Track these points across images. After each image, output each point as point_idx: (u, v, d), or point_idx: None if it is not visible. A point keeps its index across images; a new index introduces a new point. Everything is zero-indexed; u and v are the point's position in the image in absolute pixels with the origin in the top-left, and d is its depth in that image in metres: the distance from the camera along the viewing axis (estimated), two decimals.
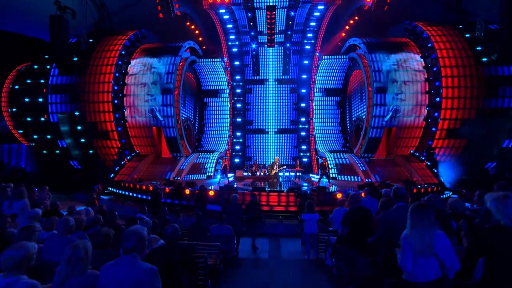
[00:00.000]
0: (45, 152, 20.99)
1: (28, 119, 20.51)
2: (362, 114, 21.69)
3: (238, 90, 27.57)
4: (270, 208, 12.33)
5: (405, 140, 19.30)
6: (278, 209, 12.23)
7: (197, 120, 26.14)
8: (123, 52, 19.22)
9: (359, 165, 19.05)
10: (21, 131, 21.73)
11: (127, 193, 15.24)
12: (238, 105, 27.78)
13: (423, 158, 17.74)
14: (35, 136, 20.95)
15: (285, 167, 15.78)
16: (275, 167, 14.75)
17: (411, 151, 19.08)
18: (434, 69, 17.47)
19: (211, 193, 12.77)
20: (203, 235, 6.64)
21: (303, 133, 27.37)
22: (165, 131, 19.77)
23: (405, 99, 18.29)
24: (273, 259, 7.94)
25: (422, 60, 18.34)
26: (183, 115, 22.91)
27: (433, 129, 17.46)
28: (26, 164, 22.83)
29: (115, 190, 16.29)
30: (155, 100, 19.19)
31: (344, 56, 23.37)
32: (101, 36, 19.80)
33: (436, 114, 17.31)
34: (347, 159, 20.99)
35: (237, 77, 27.38)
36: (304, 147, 26.91)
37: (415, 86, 18.24)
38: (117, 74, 18.63)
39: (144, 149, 20.60)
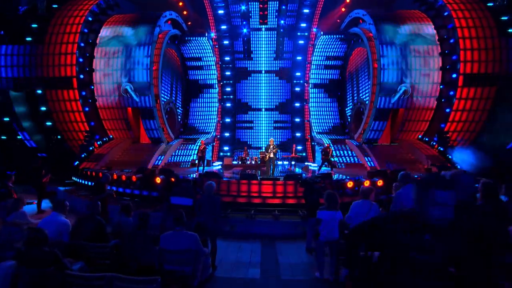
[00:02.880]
0: (4, 138, 17.43)
1: None
2: (364, 96, 18.84)
3: (228, 73, 24.40)
4: (262, 200, 9.36)
5: (413, 123, 16.53)
6: (272, 202, 9.26)
7: (181, 103, 22.86)
8: (89, 19, 15.71)
9: (361, 152, 16.30)
10: None
11: (89, 183, 12.04)
12: (228, 89, 24.65)
13: (433, 143, 15.04)
14: None
15: (278, 150, 12.91)
16: (269, 150, 11.79)
17: (419, 136, 16.37)
18: (451, 40, 14.59)
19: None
20: (145, 250, 3.64)
21: (297, 119, 24.54)
22: (142, 113, 16.50)
23: (415, 76, 15.45)
24: (267, 278, 5.03)
25: (435, 32, 15.44)
26: (165, 97, 19.64)
27: (447, 110, 14.69)
28: None
29: (77, 180, 13.08)
30: (130, 77, 15.86)
31: (345, 32, 20.37)
32: (64, 1, 16.22)
33: (451, 92, 14.53)
34: (347, 146, 18.34)
35: (226, 58, 24.14)
36: (298, 134, 24.06)
37: (427, 61, 15.39)
38: (82, 44, 15.14)
39: (118, 133, 17.30)
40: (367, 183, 8.40)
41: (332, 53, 22.04)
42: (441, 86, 15.25)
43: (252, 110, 24.75)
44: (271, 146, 11.85)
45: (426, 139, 15.54)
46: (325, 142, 19.14)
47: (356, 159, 17.01)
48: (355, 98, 20.44)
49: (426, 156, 14.23)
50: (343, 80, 22.47)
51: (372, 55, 16.28)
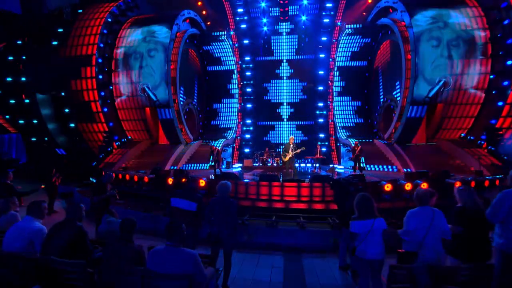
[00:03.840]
0: (34, 139, 17.57)
1: (12, 101, 17.12)
2: (396, 92, 17.04)
3: (248, 73, 23.47)
4: (285, 205, 8.13)
5: (454, 120, 14.52)
6: (297, 207, 8.00)
7: (201, 104, 22.18)
8: (109, 20, 15.41)
9: (393, 152, 14.56)
10: (7, 117, 18.43)
11: None
12: (248, 90, 23.71)
13: (481, 142, 13.00)
14: (21, 121, 17.57)
15: (303, 148, 11.49)
16: (290, 150, 10.50)
17: (462, 135, 14.34)
18: (505, 22, 12.53)
19: (202, 183, 8.71)
20: (122, 272, 2.56)
21: (320, 120, 23.03)
22: (160, 113, 15.88)
23: (457, 66, 13.55)
24: None
25: (482, 14, 13.45)
26: (184, 97, 19.00)
27: (499, 103, 12.63)
28: (18, 155, 19.66)
29: (94, 181, 12.56)
30: (148, 77, 15.31)
31: (372, 25, 18.73)
32: (87, 5, 16.09)
33: (505, 83, 12.47)
34: (375, 146, 16.64)
35: (247, 58, 23.24)
36: (322, 135, 22.53)
37: (472, 48, 13.44)
38: (101, 45, 14.80)
39: (137, 134, 16.81)
40: (424, 185, 6.88)
41: (358, 49, 20.41)
42: (491, 76, 13.19)
43: (273, 110, 23.64)
44: (291, 146, 10.56)
45: (471, 137, 13.52)
46: (351, 142, 17.55)
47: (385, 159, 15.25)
48: (384, 95, 18.64)
49: (471, 156, 12.27)
50: (370, 77, 20.72)
51: (404, 46, 14.56)
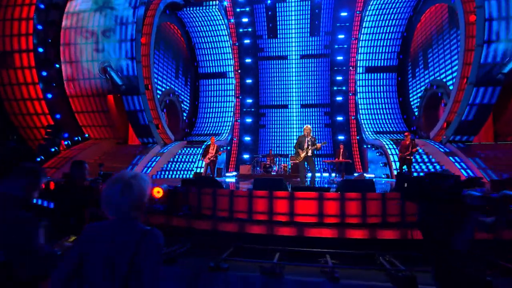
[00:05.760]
0: None
1: None
2: (445, 75, 14.10)
3: (248, 60, 20.95)
4: (298, 231, 5.10)
5: None
6: (319, 235, 4.99)
7: (188, 97, 19.51)
8: None
9: (447, 154, 11.60)
10: None
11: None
12: (248, 81, 21.13)
13: None
14: None
15: (325, 142, 8.42)
16: (305, 144, 7.53)
17: None
18: None
19: (158, 192, 5.78)
20: None
21: (339, 118, 20.26)
22: (126, 102, 13.16)
23: None
24: None
25: None
26: (163, 85, 16.34)
27: None
28: None
29: None
30: (109, 53, 12.67)
31: None
32: None
33: None
34: (418, 148, 13.71)
35: (246, 41, 20.75)
36: (341, 137, 19.65)
37: None
38: (41, 6, 12.20)
39: (97, 131, 14.10)
40: None
41: (389, 23, 17.68)
42: None
43: (280, 107, 20.96)
44: (308, 138, 7.61)
45: None
46: (384, 142, 14.57)
47: (436, 166, 12.24)
48: (426, 81, 15.71)
49: None
50: (405, 59, 17.89)
51: (463, 5, 11.67)
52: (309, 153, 7.65)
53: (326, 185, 7.50)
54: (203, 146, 13.58)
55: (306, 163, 7.75)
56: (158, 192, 5.85)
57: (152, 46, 13.72)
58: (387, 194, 5.25)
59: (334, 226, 5.13)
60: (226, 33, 19.06)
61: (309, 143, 7.67)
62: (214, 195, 5.82)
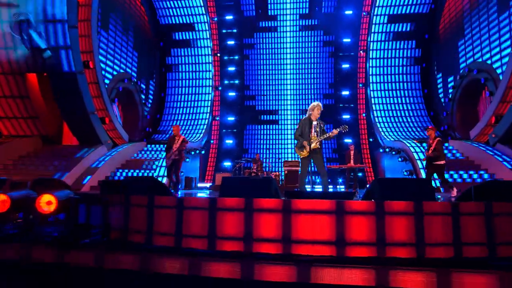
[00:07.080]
0: None
1: None
2: (489, 56, 12.60)
3: (231, 42, 19.32)
4: (299, 274, 3.12)
5: None
6: (339, 283, 3.03)
7: (152, 88, 17.57)
8: None
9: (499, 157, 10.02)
10: None
11: None
12: (231, 68, 19.46)
13: None
14: None
15: (345, 127, 6.19)
16: (311, 132, 5.60)
17: None
18: None
19: (48, 203, 3.74)
20: None
21: (346, 116, 18.77)
22: (53, 81, 11.06)
23: None
24: None
25: None
26: (114, 66, 14.37)
27: None
28: None
29: None
30: (29, 5, 10.64)
31: None
32: None
33: None
34: (453, 149, 12.37)
35: (228, 17, 19.13)
36: (348, 140, 18.03)
37: None
38: None
39: (16, 126, 11.96)
40: None
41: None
42: None
43: (271, 103, 19.30)
44: (315, 123, 5.67)
45: None
46: (408, 145, 12.92)
47: (482, 174, 10.63)
48: (462, 65, 14.25)
49: None
50: (430, 42, 16.52)
51: None
52: (317, 145, 5.74)
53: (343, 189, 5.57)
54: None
55: (311, 160, 5.84)
56: (48, 202, 3.80)
57: (96, 9, 11.81)
58: (462, 205, 3.34)
59: (367, 264, 3.16)
60: (201, 5, 17.39)
61: (317, 129, 5.77)
62: (151, 207, 3.81)
